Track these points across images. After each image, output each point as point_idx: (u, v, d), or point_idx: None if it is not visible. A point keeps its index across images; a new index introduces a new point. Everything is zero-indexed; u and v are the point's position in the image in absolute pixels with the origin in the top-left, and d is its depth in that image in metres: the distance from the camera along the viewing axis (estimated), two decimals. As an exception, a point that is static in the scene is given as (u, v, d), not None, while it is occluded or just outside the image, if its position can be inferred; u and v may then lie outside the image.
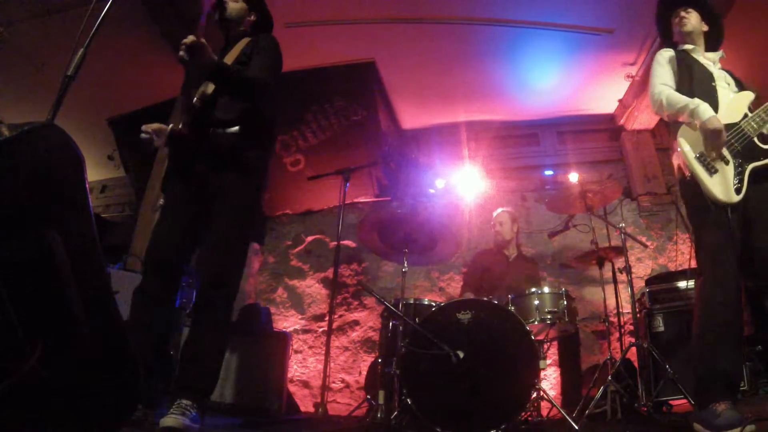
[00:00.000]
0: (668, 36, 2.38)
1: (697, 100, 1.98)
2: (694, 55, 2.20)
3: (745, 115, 1.99)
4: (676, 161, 2.08)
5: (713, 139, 1.90)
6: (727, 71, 2.21)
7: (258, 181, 2.07)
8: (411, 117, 4.98)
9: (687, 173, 1.95)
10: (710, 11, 2.31)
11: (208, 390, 1.85)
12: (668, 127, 2.27)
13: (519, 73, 4.35)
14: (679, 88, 2.11)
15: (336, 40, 4.00)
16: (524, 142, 5.06)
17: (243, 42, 2.19)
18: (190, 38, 1.82)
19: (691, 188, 1.96)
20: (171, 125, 2.04)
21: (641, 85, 4.16)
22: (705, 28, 2.28)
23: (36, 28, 3.54)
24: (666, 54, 2.24)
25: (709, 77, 2.10)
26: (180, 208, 2.02)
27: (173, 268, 1.97)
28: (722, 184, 1.87)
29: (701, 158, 1.93)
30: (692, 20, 2.25)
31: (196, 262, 2.10)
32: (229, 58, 2.13)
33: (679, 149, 1.97)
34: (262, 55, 2.12)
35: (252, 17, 2.33)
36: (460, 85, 4.49)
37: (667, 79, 2.15)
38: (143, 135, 1.99)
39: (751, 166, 1.91)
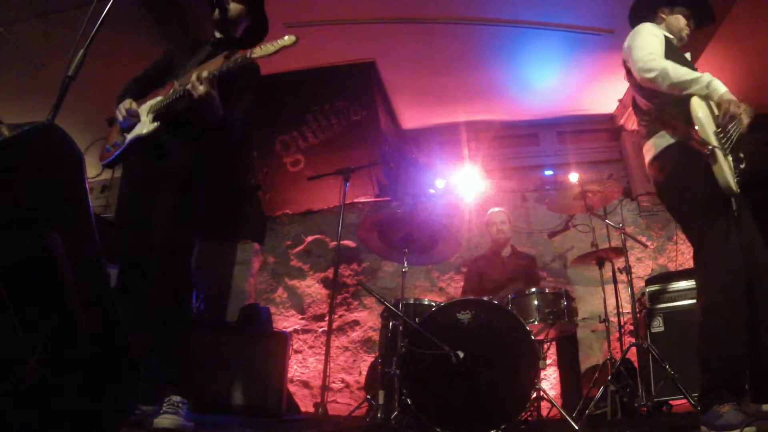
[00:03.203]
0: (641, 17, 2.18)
1: (708, 74, 1.80)
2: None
3: None
4: (659, 145, 1.95)
5: (733, 111, 1.76)
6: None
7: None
8: (411, 117, 4.98)
9: (703, 149, 1.75)
10: (705, 14, 2.22)
11: (189, 379, 1.89)
12: (641, 109, 2.13)
13: (519, 73, 4.35)
14: None
15: (336, 40, 4.00)
16: (524, 142, 5.07)
17: (221, 59, 1.97)
18: (202, 89, 1.82)
19: (693, 173, 1.82)
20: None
21: (641, 85, 4.16)
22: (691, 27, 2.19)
23: (36, 28, 3.54)
24: (656, 30, 2.04)
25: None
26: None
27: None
28: (731, 171, 1.75)
29: (719, 134, 1.76)
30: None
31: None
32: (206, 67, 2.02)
33: (696, 118, 1.77)
34: (244, 99, 2.10)
35: (247, 22, 2.24)
36: (460, 85, 4.48)
37: (660, 51, 1.94)
38: (123, 116, 1.98)
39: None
